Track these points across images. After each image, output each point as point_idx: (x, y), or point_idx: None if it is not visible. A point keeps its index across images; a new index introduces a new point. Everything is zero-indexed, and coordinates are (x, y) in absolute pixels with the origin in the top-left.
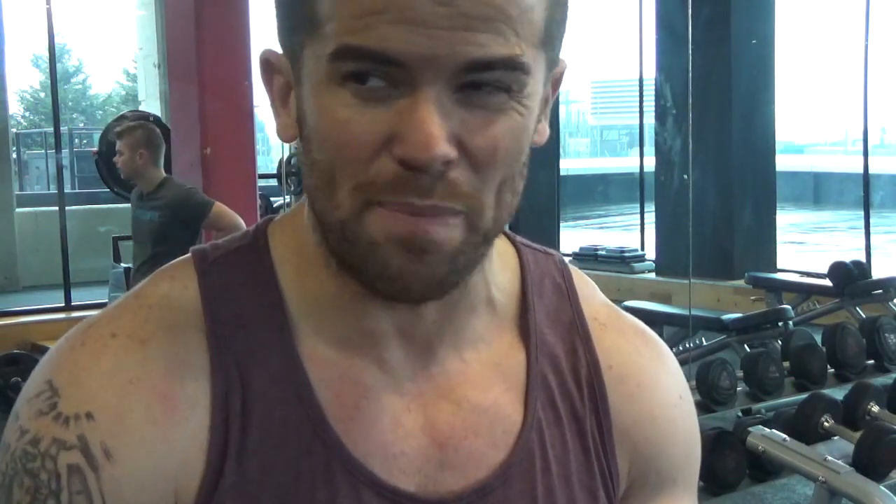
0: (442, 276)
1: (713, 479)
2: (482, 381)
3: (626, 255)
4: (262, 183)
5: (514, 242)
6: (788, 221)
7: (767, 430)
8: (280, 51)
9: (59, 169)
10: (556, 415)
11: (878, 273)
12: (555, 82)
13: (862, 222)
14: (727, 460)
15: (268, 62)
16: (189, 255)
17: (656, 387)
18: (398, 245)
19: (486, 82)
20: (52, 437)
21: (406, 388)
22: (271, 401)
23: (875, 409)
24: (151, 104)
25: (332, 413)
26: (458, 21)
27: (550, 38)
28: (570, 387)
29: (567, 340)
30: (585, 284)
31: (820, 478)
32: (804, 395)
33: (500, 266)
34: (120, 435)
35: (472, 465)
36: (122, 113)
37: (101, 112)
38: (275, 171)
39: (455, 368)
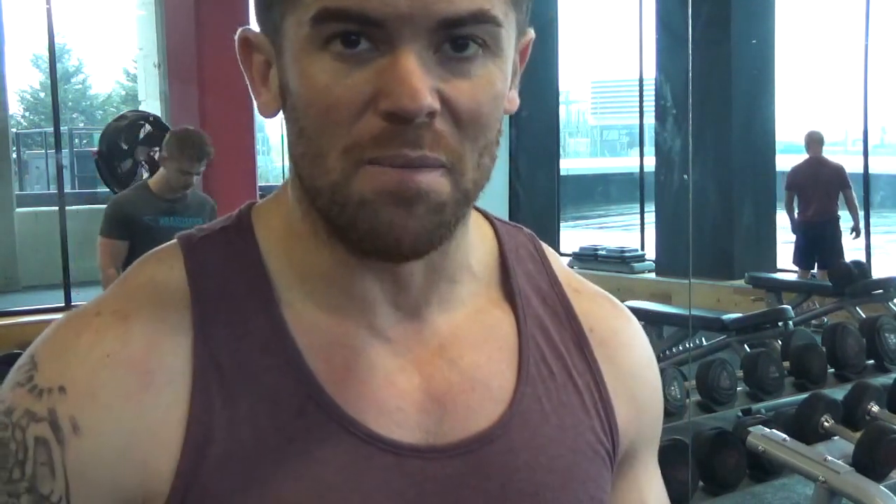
0: (430, 228)
1: (713, 479)
2: (474, 342)
3: (626, 255)
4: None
5: (487, 217)
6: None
7: (767, 430)
8: (258, 30)
9: (59, 169)
10: (550, 372)
11: (878, 273)
12: (523, 52)
13: (862, 222)
14: (727, 460)
15: (246, 40)
16: (174, 240)
17: (633, 348)
18: (388, 199)
19: (461, 37)
20: (24, 409)
21: (399, 350)
22: (261, 369)
23: (875, 409)
24: (151, 104)
25: (324, 377)
26: None
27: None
28: (559, 347)
29: (548, 304)
30: (553, 254)
31: (820, 478)
32: (804, 395)
33: (478, 238)
34: (90, 409)
35: (472, 418)
36: (122, 112)
37: (101, 112)
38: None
39: (446, 330)
